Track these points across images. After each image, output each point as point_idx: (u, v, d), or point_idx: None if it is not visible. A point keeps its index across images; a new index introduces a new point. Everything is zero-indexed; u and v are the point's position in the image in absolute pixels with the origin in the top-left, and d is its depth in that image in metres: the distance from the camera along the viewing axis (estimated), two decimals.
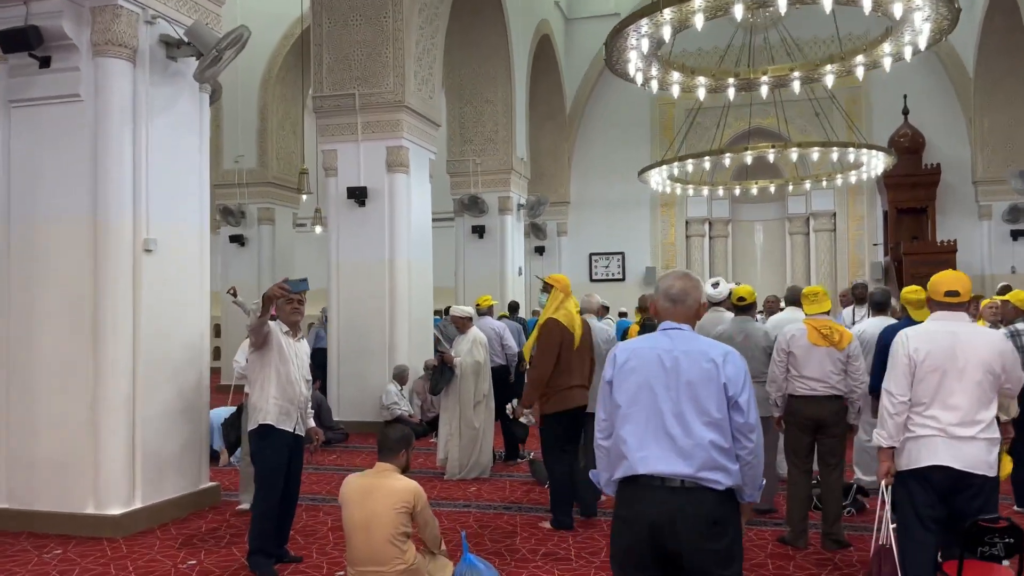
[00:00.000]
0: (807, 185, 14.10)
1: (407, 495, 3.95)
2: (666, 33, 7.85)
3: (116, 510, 5.41)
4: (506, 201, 13.84)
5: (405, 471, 4.10)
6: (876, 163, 12.32)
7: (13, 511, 5.57)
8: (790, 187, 14.68)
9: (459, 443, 7.09)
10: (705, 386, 2.55)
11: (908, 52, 8.76)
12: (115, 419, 5.44)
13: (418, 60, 9.99)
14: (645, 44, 8.23)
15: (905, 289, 5.57)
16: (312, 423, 4.92)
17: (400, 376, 9.52)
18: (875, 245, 16.24)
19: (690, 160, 12.06)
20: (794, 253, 17.21)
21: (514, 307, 11.87)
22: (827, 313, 5.08)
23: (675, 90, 9.99)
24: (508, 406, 6.83)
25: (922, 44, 8.39)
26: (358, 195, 9.68)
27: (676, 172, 12.95)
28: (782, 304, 10.97)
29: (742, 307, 5.86)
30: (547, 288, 5.71)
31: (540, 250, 17.48)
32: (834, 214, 16.66)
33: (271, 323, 4.61)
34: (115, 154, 5.49)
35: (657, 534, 2.49)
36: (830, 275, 16.55)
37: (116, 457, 5.44)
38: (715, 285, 6.80)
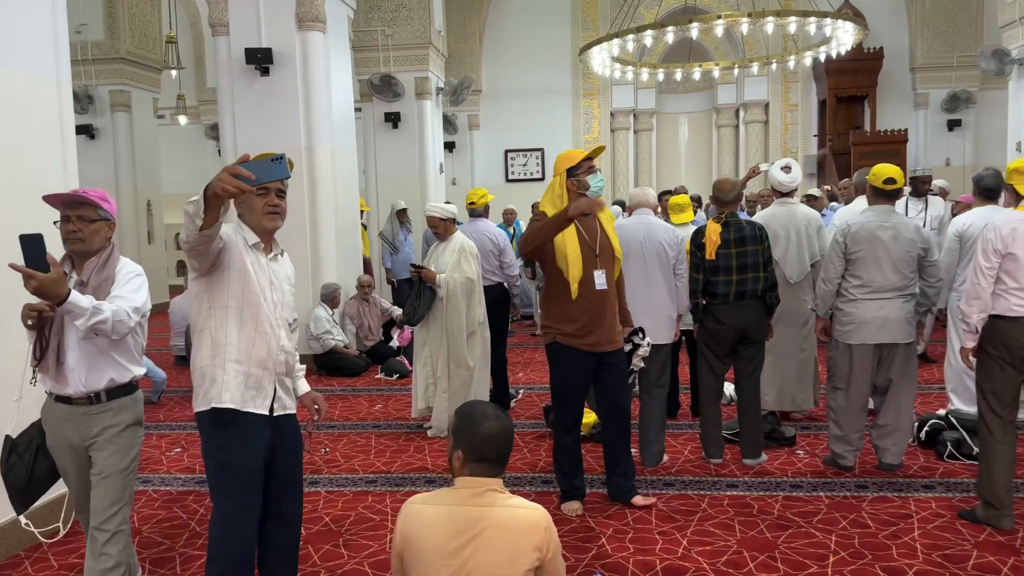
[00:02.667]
0: (755, 68, 12.65)
1: (536, 537, 2.13)
2: None
3: None
4: (424, 83, 11.59)
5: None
6: (846, 38, 11.00)
7: None
8: (736, 70, 13.25)
9: (448, 388, 5.21)
10: None
11: None
12: None
13: None
14: None
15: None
16: (305, 386, 2.91)
17: (330, 298, 7.46)
18: (814, 136, 15.21)
19: (649, 33, 10.20)
20: (721, 147, 15.95)
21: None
22: None
23: None
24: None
25: None
26: (260, 59, 7.27)
27: (630, 48, 11.08)
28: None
29: (888, 193, 4.21)
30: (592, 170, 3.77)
31: (450, 146, 15.25)
32: (767, 104, 15.44)
33: (227, 230, 2.56)
34: None
35: None
36: None
37: None
38: (786, 169, 5.14)
